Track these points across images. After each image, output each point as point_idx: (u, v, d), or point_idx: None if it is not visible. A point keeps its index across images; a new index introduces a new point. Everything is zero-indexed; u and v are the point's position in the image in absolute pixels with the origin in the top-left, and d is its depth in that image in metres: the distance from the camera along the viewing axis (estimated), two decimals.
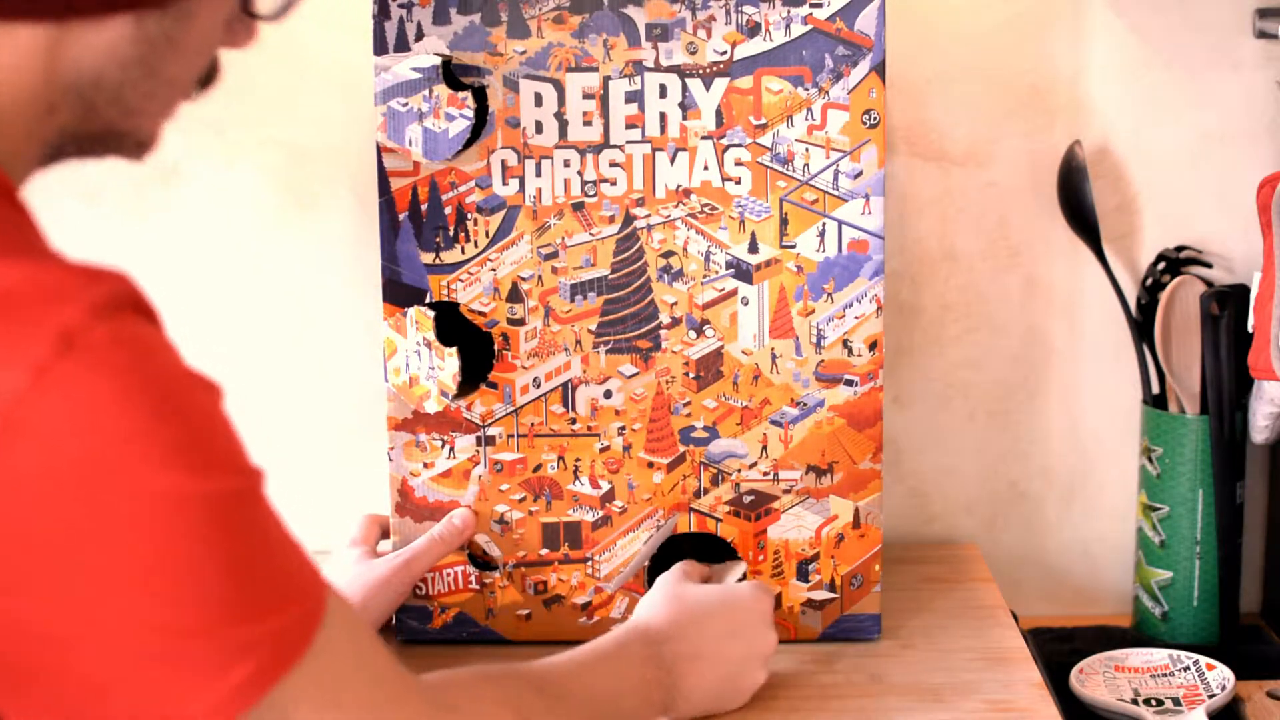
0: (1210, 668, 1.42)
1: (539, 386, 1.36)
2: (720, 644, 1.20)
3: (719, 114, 1.31)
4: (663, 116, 1.32)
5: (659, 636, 1.18)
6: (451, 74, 1.31)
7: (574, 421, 1.36)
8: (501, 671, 1.01)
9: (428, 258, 1.34)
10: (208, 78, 0.93)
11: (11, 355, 0.70)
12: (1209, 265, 1.56)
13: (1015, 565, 1.67)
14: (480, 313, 1.35)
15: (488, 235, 1.33)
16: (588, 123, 1.32)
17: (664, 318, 1.34)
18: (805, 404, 1.35)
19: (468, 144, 1.31)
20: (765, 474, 1.36)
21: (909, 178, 1.60)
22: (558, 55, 1.31)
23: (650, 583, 1.39)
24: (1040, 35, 1.57)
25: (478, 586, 1.39)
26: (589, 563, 1.38)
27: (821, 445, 1.36)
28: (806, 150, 1.32)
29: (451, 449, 1.37)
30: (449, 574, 1.38)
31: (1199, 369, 1.52)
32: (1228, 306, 1.50)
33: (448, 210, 1.33)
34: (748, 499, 1.37)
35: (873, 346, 1.34)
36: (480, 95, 1.31)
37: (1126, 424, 1.62)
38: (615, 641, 1.15)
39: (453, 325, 1.34)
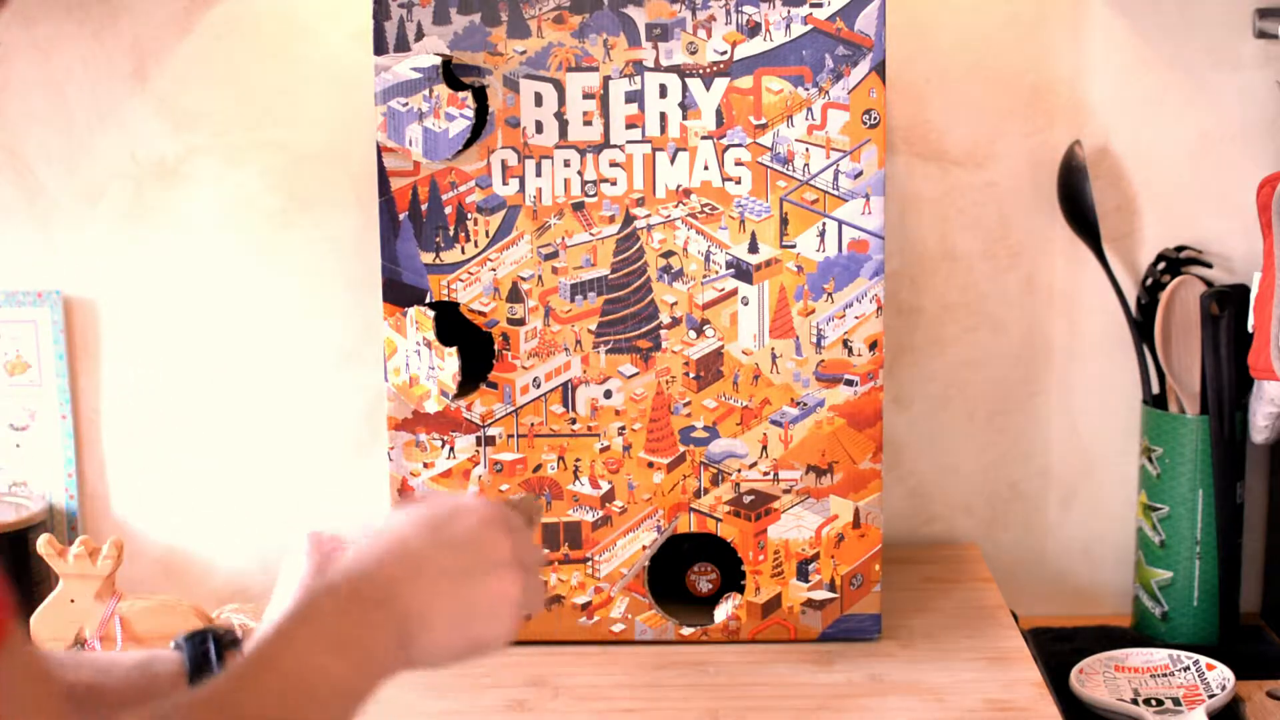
0: (1210, 668, 1.42)
1: (539, 386, 1.36)
2: (440, 552, 0.93)
3: (719, 114, 1.31)
4: (663, 116, 1.32)
5: (356, 572, 0.91)
6: (451, 74, 1.31)
7: (574, 421, 1.36)
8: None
9: (428, 258, 1.34)
10: None
11: None
12: (1209, 265, 1.56)
13: (1015, 565, 1.66)
14: (480, 313, 1.35)
15: (488, 235, 1.33)
16: (588, 123, 1.32)
17: (664, 318, 1.34)
18: (805, 404, 1.35)
19: (468, 144, 1.31)
20: (765, 474, 1.36)
21: (909, 178, 1.60)
22: (558, 55, 1.31)
23: (651, 584, 1.39)
24: (1040, 35, 1.57)
25: None
26: (589, 563, 1.38)
27: (821, 445, 1.36)
28: (806, 150, 1.32)
29: (451, 449, 1.37)
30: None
31: (1199, 369, 1.52)
32: (1228, 306, 1.50)
33: (448, 210, 1.33)
34: (748, 499, 1.37)
35: (873, 346, 1.34)
36: (480, 95, 1.31)
37: (1126, 424, 1.62)
38: (295, 609, 0.88)
39: (453, 325, 1.34)
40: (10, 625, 0.69)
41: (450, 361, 1.31)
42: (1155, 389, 1.56)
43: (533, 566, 0.95)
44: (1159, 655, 1.45)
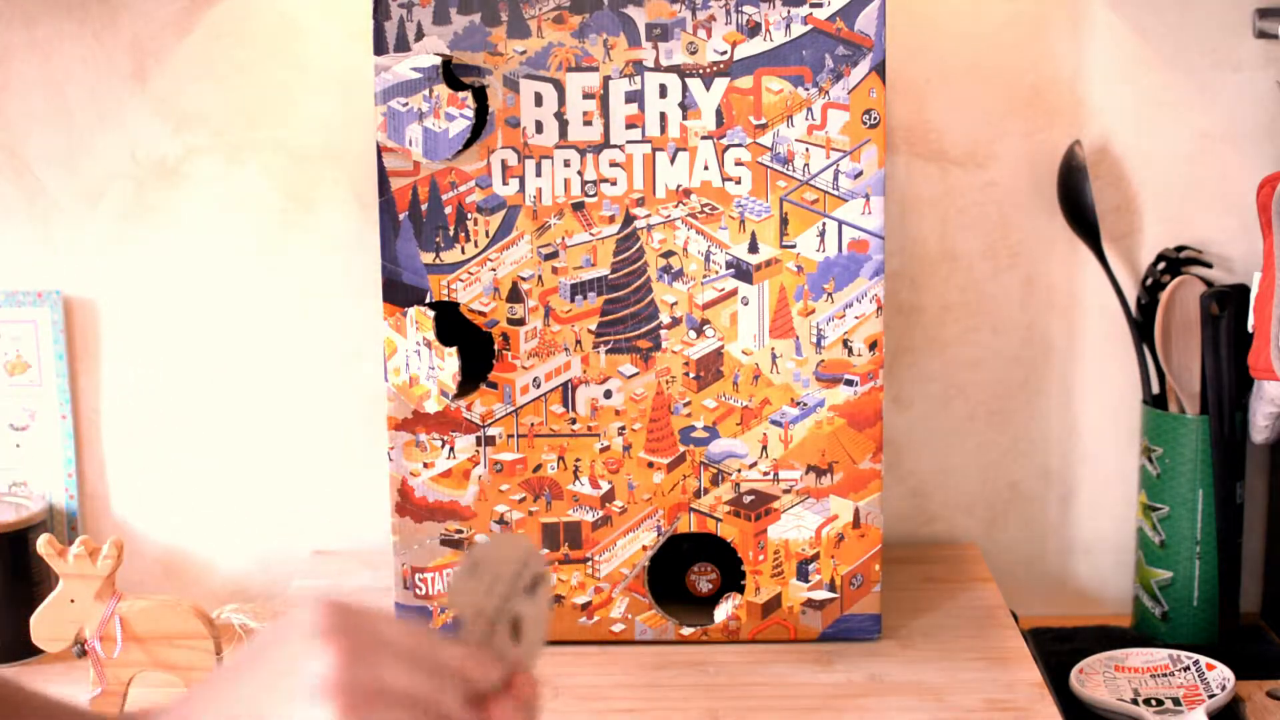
0: (1210, 668, 1.42)
1: (539, 386, 1.35)
2: (224, 673, 0.74)
3: (719, 114, 1.31)
4: (663, 116, 1.32)
5: None
6: (451, 74, 1.31)
7: (574, 421, 1.36)
8: None
9: (428, 258, 1.34)
10: None
11: None
12: (1209, 265, 1.56)
13: (1015, 565, 1.67)
14: (480, 313, 1.35)
15: (488, 235, 1.33)
16: (588, 123, 1.32)
17: (664, 318, 1.34)
18: (805, 404, 1.35)
19: (468, 144, 1.31)
20: (765, 474, 1.36)
21: (909, 178, 1.60)
22: (558, 55, 1.31)
23: (651, 584, 1.39)
24: (1040, 35, 1.57)
25: None
26: (589, 563, 1.38)
27: (821, 445, 1.36)
28: (806, 150, 1.32)
29: (451, 449, 1.37)
30: (449, 574, 1.38)
31: (1199, 369, 1.52)
32: (1228, 306, 1.50)
33: (448, 210, 1.33)
34: (748, 499, 1.37)
35: (873, 346, 1.34)
36: (480, 95, 1.31)
37: (1126, 424, 1.62)
38: None
39: (453, 325, 1.34)
40: None
41: (450, 361, 1.31)
42: (1155, 389, 1.56)
43: (363, 632, 0.70)
44: (1159, 655, 1.46)
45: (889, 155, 1.58)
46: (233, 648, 1.39)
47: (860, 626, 1.39)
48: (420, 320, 1.32)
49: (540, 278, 1.34)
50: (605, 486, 1.37)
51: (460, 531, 1.38)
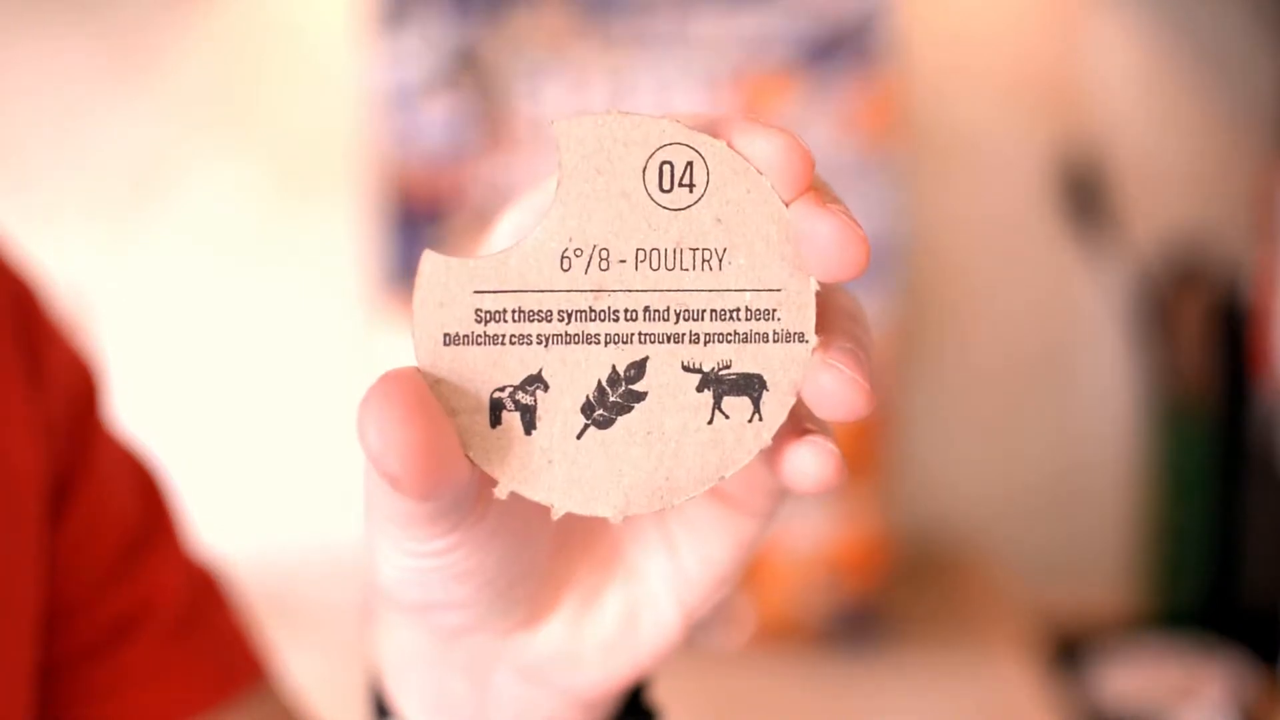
0: (1210, 665, 1.42)
1: None
2: None
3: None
4: None
5: None
6: (454, 71, 1.31)
7: None
8: None
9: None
10: None
11: None
12: (1209, 265, 1.56)
13: (1016, 565, 1.66)
14: None
15: None
16: None
17: None
18: None
19: (468, 143, 1.31)
20: None
21: (910, 178, 1.59)
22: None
23: None
24: (1043, 35, 1.57)
25: None
26: None
27: None
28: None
29: None
30: None
31: (1199, 369, 1.52)
32: (1228, 307, 1.50)
33: (449, 210, 1.33)
34: None
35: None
36: (481, 93, 1.31)
37: (1127, 424, 1.62)
38: None
39: None
40: (258, 666, 0.68)
41: None
42: (1155, 389, 1.56)
43: None
44: (1159, 653, 1.46)
45: (890, 155, 1.58)
46: None
47: (860, 627, 1.39)
48: None
49: None
50: None
51: None
